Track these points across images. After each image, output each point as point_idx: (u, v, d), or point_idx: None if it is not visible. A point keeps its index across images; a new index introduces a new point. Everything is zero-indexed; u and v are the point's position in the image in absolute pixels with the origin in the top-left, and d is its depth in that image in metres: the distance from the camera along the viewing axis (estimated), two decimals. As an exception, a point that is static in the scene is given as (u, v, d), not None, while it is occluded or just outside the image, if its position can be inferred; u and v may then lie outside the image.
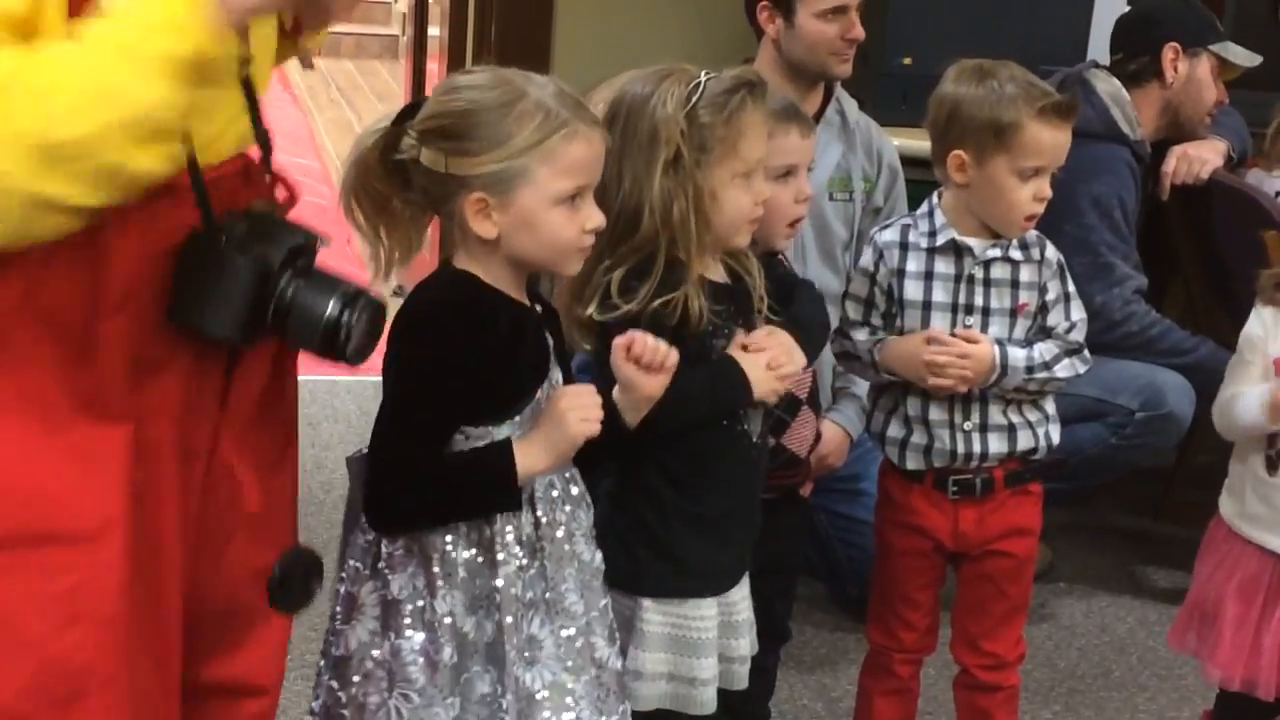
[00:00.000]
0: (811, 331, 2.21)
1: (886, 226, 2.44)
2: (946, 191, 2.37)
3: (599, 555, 1.92)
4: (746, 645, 2.15)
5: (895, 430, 2.41)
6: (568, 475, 1.88)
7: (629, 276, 1.98)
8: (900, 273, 2.37)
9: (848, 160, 3.17)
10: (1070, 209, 3.26)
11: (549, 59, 4.05)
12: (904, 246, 2.37)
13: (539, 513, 1.82)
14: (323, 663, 1.88)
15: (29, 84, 1.27)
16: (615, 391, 1.88)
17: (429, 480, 1.78)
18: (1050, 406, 2.42)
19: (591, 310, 1.98)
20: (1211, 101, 3.54)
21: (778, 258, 2.35)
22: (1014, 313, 2.35)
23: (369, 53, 10.17)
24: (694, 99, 1.96)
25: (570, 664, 1.83)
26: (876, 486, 2.52)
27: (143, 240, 1.40)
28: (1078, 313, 2.39)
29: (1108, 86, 3.47)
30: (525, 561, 1.81)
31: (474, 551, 1.79)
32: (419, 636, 1.78)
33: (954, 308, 2.35)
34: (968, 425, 2.37)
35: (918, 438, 2.39)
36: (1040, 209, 2.30)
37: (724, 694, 2.11)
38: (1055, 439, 2.42)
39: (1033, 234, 2.36)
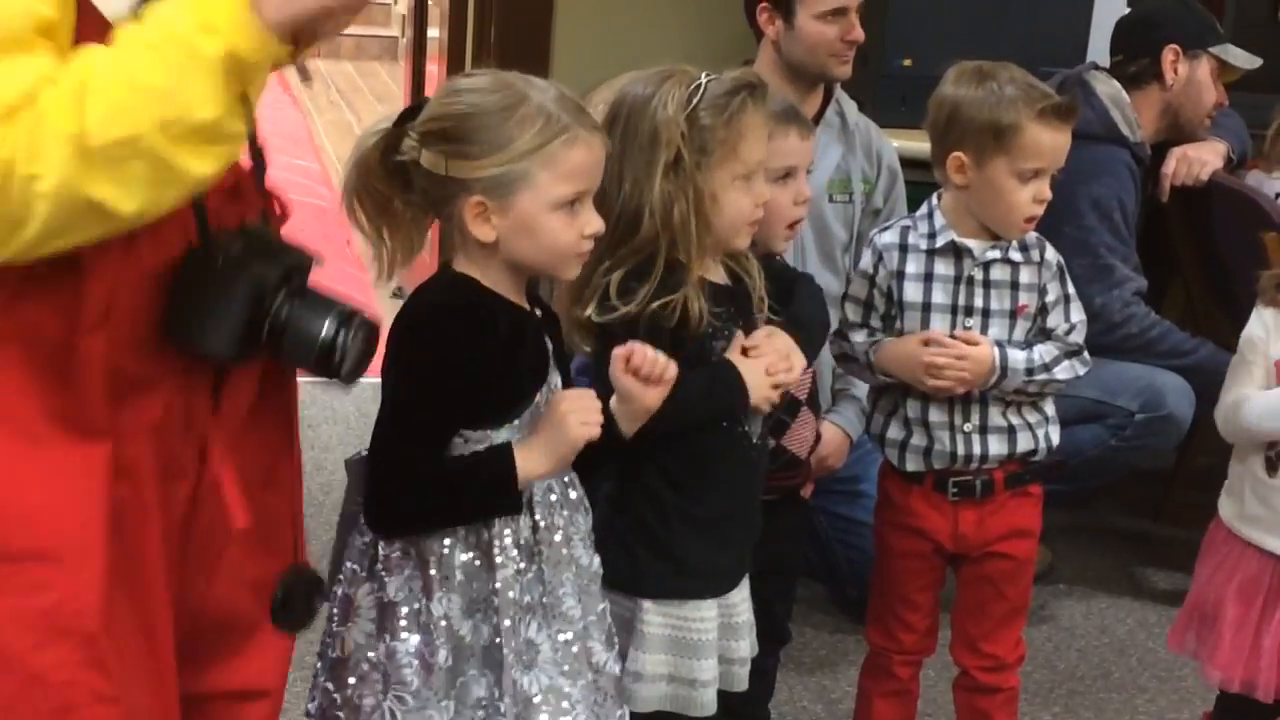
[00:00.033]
0: (811, 331, 2.21)
1: (886, 228, 2.44)
2: (946, 193, 2.37)
3: (597, 560, 1.92)
4: (747, 647, 2.15)
5: (895, 432, 2.41)
6: (566, 479, 1.88)
7: (628, 278, 1.98)
8: (900, 274, 2.37)
9: (847, 162, 3.17)
10: (1070, 211, 3.26)
11: (548, 61, 4.05)
12: (903, 248, 2.37)
13: (537, 517, 1.82)
14: (319, 664, 1.88)
15: (68, 86, 1.28)
16: (613, 401, 1.88)
17: (429, 483, 1.78)
18: (1050, 408, 2.42)
19: (590, 312, 1.98)
20: (1211, 104, 3.54)
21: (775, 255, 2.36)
22: (1014, 314, 2.35)
23: (368, 54, 10.19)
24: (695, 101, 1.97)
25: (567, 668, 1.83)
26: (876, 488, 2.52)
27: (124, 257, 1.39)
28: (1077, 314, 2.39)
29: (1107, 88, 3.47)
30: (523, 565, 1.81)
31: (471, 555, 1.79)
32: (414, 639, 1.78)
33: (954, 309, 2.35)
34: (967, 427, 2.37)
35: (917, 439, 2.39)
36: (1040, 211, 2.30)
37: (724, 696, 2.11)
38: (1055, 441, 2.42)
39: (1032, 236, 2.36)
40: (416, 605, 1.79)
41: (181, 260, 1.43)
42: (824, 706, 2.99)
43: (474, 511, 1.79)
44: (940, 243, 2.34)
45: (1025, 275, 2.35)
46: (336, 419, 4.20)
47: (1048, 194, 2.30)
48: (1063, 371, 2.35)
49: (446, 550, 1.78)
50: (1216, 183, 3.52)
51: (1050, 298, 2.36)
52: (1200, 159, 3.53)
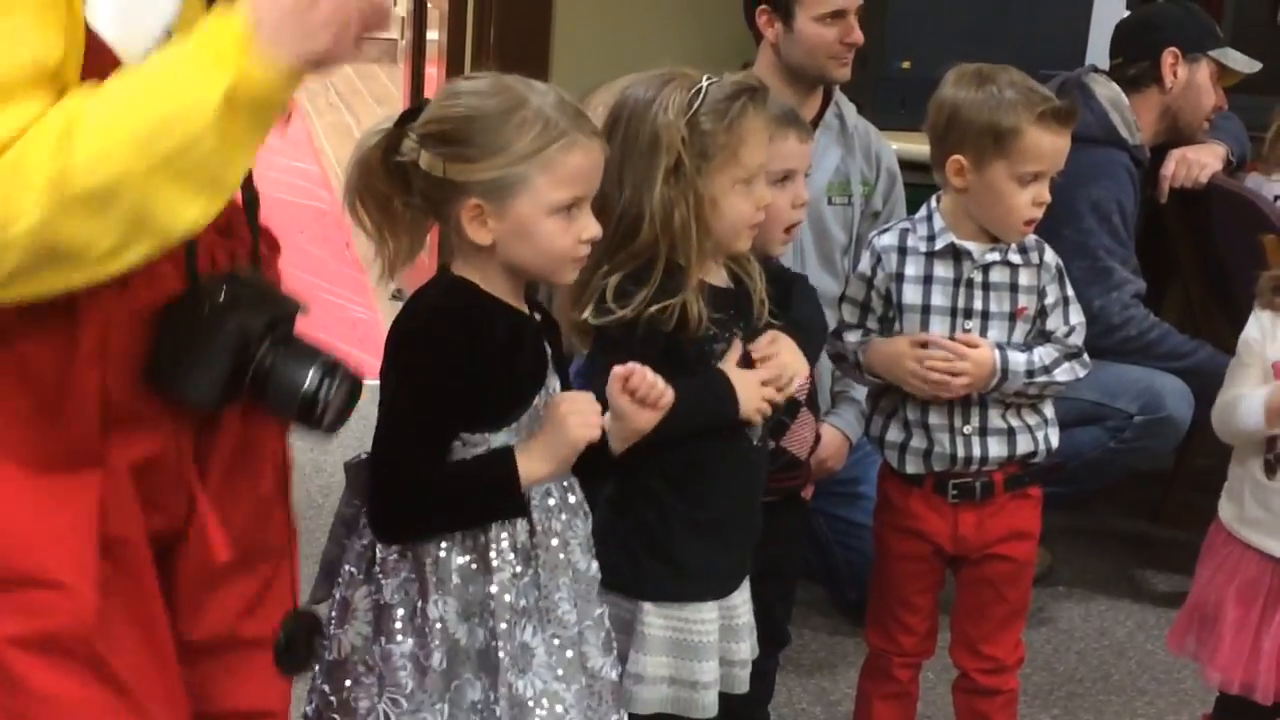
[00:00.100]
0: (812, 333, 2.21)
1: (885, 230, 2.44)
2: (945, 195, 2.37)
3: (595, 565, 1.92)
4: (747, 649, 2.15)
5: (894, 434, 2.41)
6: (565, 483, 1.88)
7: (625, 282, 1.98)
8: (899, 277, 2.37)
9: (846, 164, 3.17)
10: (1069, 213, 3.26)
11: (548, 63, 4.05)
12: (902, 251, 2.37)
13: (534, 521, 1.82)
14: (317, 666, 1.88)
15: (54, 127, 1.27)
16: (606, 416, 1.88)
17: (431, 488, 1.78)
18: (1049, 410, 2.42)
19: (587, 315, 1.98)
20: (1210, 107, 3.54)
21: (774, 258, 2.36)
22: (1013, 317, 2.35)
23: (367, 56, 10.17)
24: (695, 105, 1.96)
25: (561, 673, 1.83)
26: (875, 490, 2.52)
27: (121, 294, 1.40)
28: (1076, 316, 2.39)
29: (1107, 91, 3.47)
30: (519, 569, 1.81)
31: (468, 558, 1.79)
32: (409, 641, 1.79)
33: (953, 312, 2.35)
34: (967, 429, 2.37)
35: (917, 442, 2.39)
36: (1039, 214, 2.30)
37: (724, 698, 2.11)
38: (1054, 443, 2.43)
39: (1031, 238, 2.36)
40: (412, 608, 1.79)
41: (166, 307, 1.43)
42: (823, 708, 2.99)
43: (477, 515, 1.79)
44: (939, 245, 2.34)
45: (1024, 278, 2.35)
46: (336, 421, 4.19)
47: (1047, 197, 2.30)
48: (1063, 374, 2.35)
49: (443, 554, 1.78)
50: (1215, 185, 3.52)
51: (1049, 300, 2.37)
52: (1199, 161, 3.53)
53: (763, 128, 2.03)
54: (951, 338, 2.33)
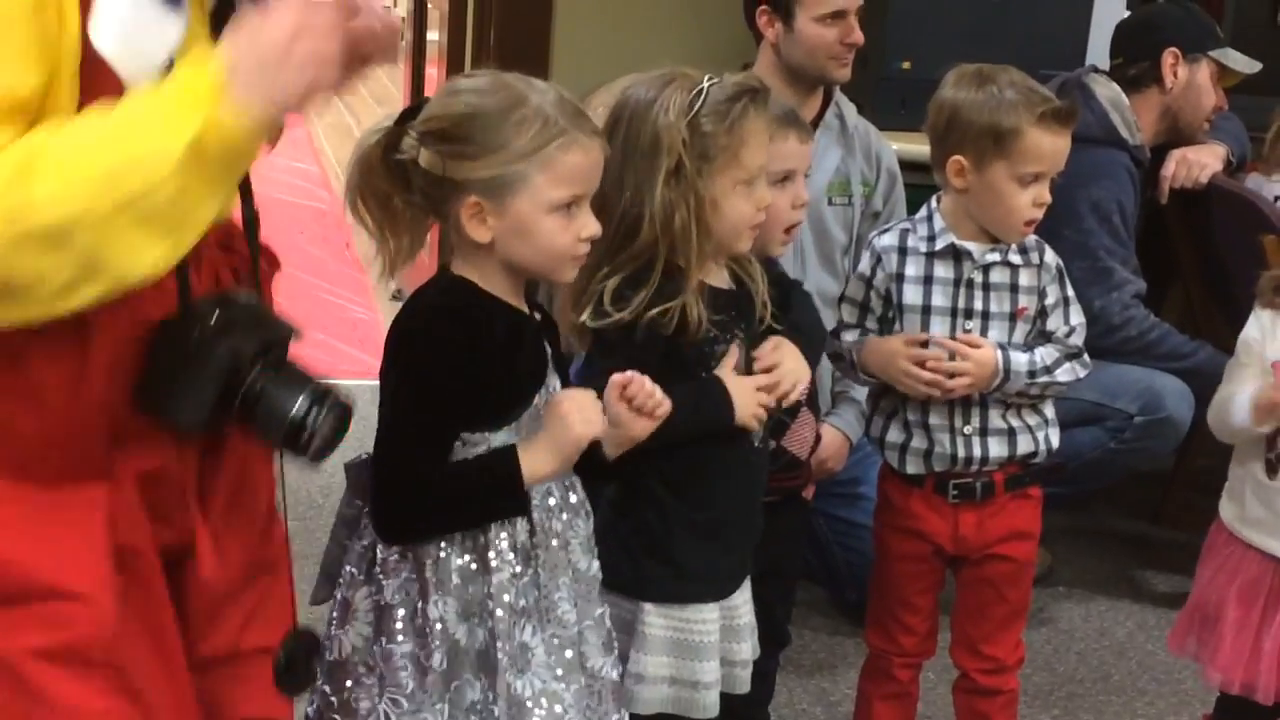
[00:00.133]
0: (813, 338, 2.21)
1: (885, 231, 2.44)
2: (945, 196, 2.37)
3: (596, 564, 1.92)
4: (748, 649, 2.15)
5: (895, 435, 2.41)
6: (566, 483, 1.88)
7: (624, 285, 1.98)
8: (899, 277, 2.37)
9: (847, 165, 3.17)
10: (1069, 214, 3.26)
11: (548, 64, 4.05)
12: (902, 251, 2.37)
13: (534, 520, 1.82)
14: (318, 667, 1.88)
15: (13, 162, 1.27)
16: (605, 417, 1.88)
17: (434, 488, 1.78)
18: (1049, 410, 2.42)
19: (585, 317, 1.98)
20: (1210, 107, 3.54)
21: (775, 261, 2.36)
22: (1013, 317, 2.35)
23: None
24: (697, 106, 1.96)
25: (560, 672, 1.83)
26: (875, 491, 2.52)
27: (130, 309, 1.41)
28: (1077, 317, 2.39)
29: (1107, 91, 3.47)
30: (519, 569, 1.81)
31: (468, 558, 1.79)
32: (409, 642, 1.79)
33: (953, 312, 2.35)
34: (968, 429, 2.37)
35: (918, 442, 2.39)
36: (1039, 214, 2.30)
37: (724, 698, 2.11)
38: (1055, 443, 2.42)
39: (1032, 238, 2.36)
40: (413, 609, 1.79)
41: (159, 325, 1.43)
42: (823, 709, 2.99)
43: (480, 514, 1.79)
44: (940, 245, 2.34)
45: (1025, 278, 2.35)
46: (336, 421, 4.19)
47: (1047, 198, 2.30)
48: (1064, 374, 2.35)
49: (443, 554, 1.78)
50: (1216, 186, 3.52)
51: (1050, 300, 2.37)
52: (1200, 162, 3.53)
53: (764, 129, 2.03)
54: (953, 338, 2.33)
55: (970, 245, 2.33)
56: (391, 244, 1.82)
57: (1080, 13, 4.09)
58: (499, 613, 1.78)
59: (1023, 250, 2.35)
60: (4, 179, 1.27)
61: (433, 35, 5.36)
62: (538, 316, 1.88)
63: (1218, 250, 3.62)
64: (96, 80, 1.35)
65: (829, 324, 2.50)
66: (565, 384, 1.91)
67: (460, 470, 1.78)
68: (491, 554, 1.79)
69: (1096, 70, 3.58)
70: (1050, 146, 2.26)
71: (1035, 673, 3.14)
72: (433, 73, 5.37)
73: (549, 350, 1.87)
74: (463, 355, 1.76)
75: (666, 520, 2.05)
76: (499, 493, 1.78)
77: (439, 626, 1.77)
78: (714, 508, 2.07)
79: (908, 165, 3.26)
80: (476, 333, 1.77)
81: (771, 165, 2.13)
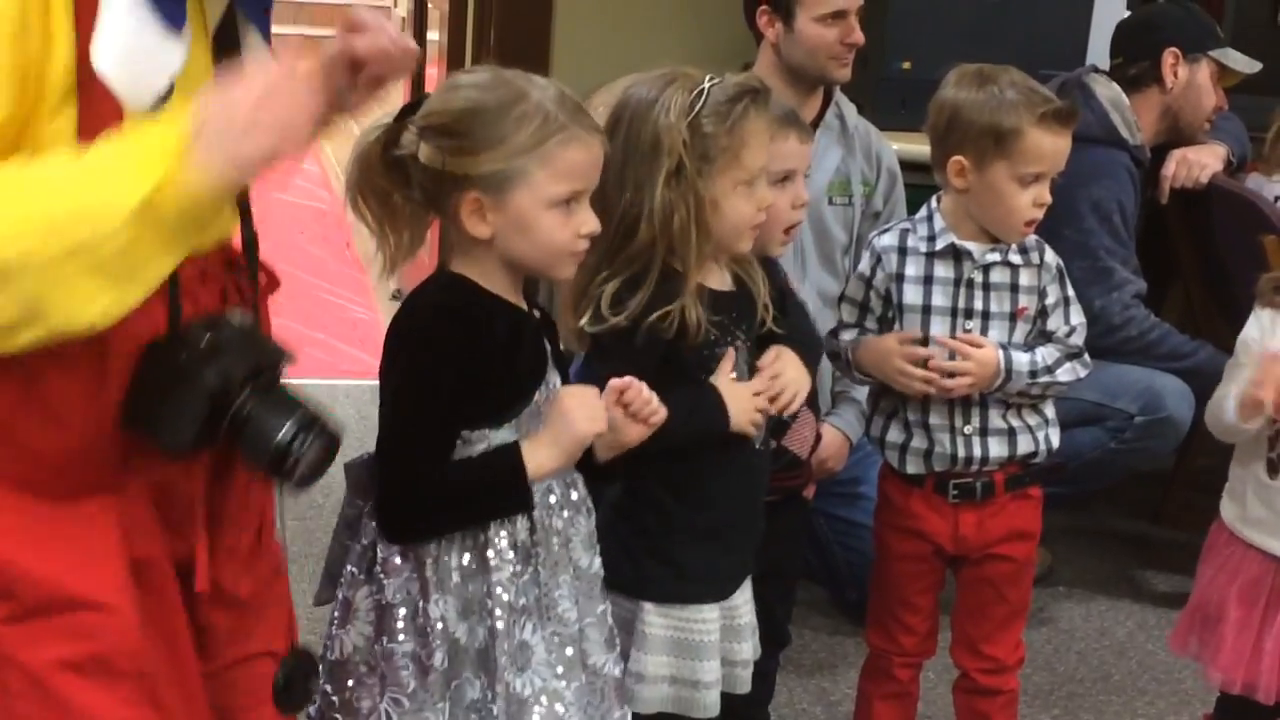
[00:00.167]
0: (811, 348, 2.20)
1: (885, 231, 2.44)
2: (946, 196, 2.37)
3: (598, 561, 1.92)
4: (749, 649, 2.15)
5: (895, 435, 2.41)
6: (568, 480, 1.88)
7: (623, 289, 1.97)
8: (899, 277, 2.37)
9: (847, 165, 3.17)
10: (1069, 213, 3.26)
11: (548, 64, 4.05)
12: (902, 251, 2.37)
13: (534, 518, 1.82)
14: (320, 667, 1.88)
15: None
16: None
17: (438, 487, 1.78)
18: (1050, 410, 2.42)
19: (584, 322, 1.98)
20: (1211, 107, 3.54)
21: (776, 263, 2.36)
22: (1013, 317, 2.35)
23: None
24: (697, 106, 1.96)
25: (561, 670, 1.83)
26: (875, 490, 2.52)
27: (146, 323, 1.42)
28: (1077, 317, 2.39)
29: (1107, 91, 3.47)
30: (519, 567, 1.81)
31: (468, 557, 1.79)
32: (411, 641, 1.79)
33: (953, 312, 2.35)
34: (968, 429, 2.37)
35: (918, 442, 2.39)
36: (1040, 214, 2.30)
37: (725, 698, 2.11)
38: (1055, 443, 2.42)
39: (1032, 238, 2.36)
40: (414, 608, 1.79)
41: (147, 348, 1.44)
42: (823, 709, 2.99)
43: (485, 511, 1.79)
44: (940, 245, 2.34)
45: (1025, 278, 2.35)
46: (336, 421, 4.19)
47: (1048, 198, 2.30)
48: (1065, 374, 2.35)
49: (443, 553, 1.79)
50: (1216, 186, 3.52)
51: (1050, 300, 2.37)
52: (1200, 162, 3.53)
53: (764, 129, 2.03)
54: (953, 338, 2.33)
55: (970, 245, 2.33)
56: (392, 241, 1.82)
57: (1080, 12, 4.09)
58: (498, 611, 1.78)
59: (1023, 250, 2.35)
60: None
61: (433, 35, 5.37)
62: (536, 314, 1.88)
63: (1218, 250, 3.62)
64: (97, 104, 1.35)
65: (829, 324, 2.50)
66: (565, 381, 1.91)
67: (464, 468, 1.78)
68: (491, 552, 1.79)
69: (1097, 70, 3.58)
70: (1051, 147, 2.26)
71: (1035, 672, 3.14)
72: (433, 72, 5.37)
73: (548, 347, 1.88)
74: (463, 354, 1.76)
75: (668, 522, 2.05)
76: (503, 489, 1.78)
77: (440, 626, 1.78)
78: (715, 510, 2.07)
79: (908, 165, 3.26)
80: (476, 331, 1.77)
81: (772, 165, 2.13)
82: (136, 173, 1.29)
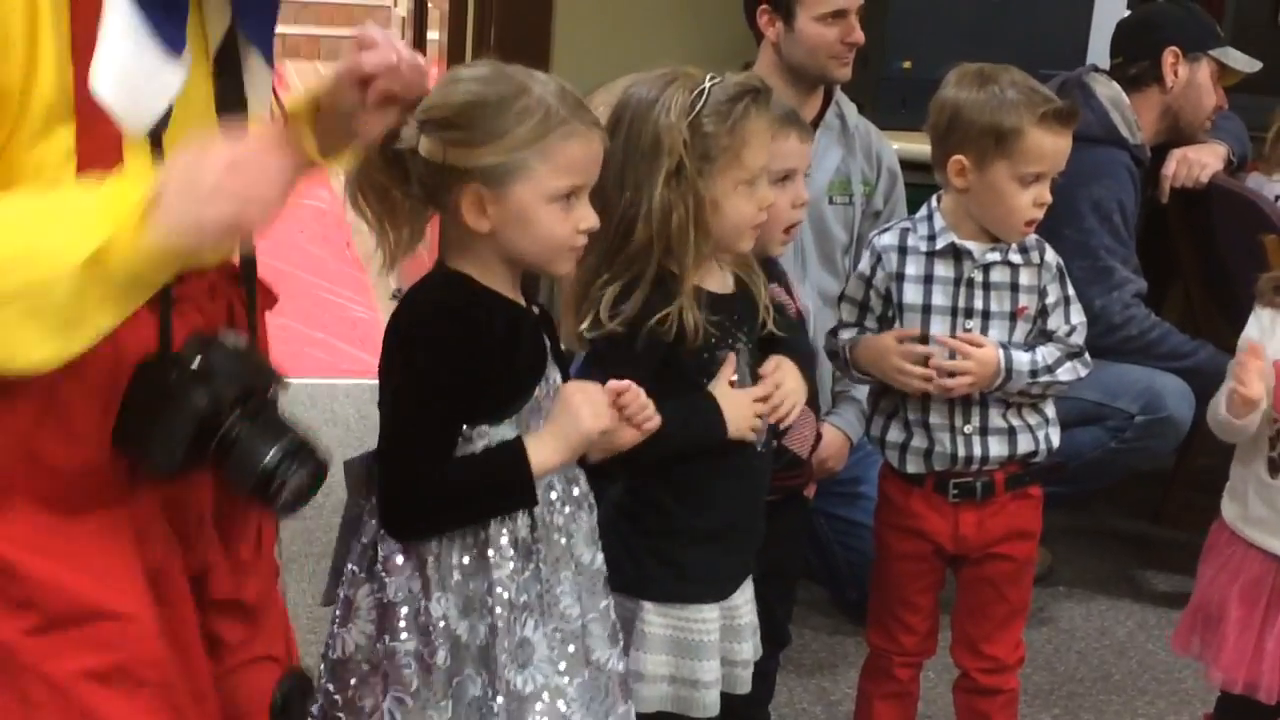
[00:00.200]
0: (808, 362, 2.20)
1: (885, 230, 2.44)
2: (946, 195, 2.37)
3: (600, 557, 1.91)
4: (750, 649, 2.15)
5: (895, 434, 2.41)
6: (569, 476, 1.88)
7: (622, 294, 1.97)
8: (899, 276, 2.37)
9: (847, 164, 3.17)
10: (1070, 213, 3.26)
11: (548, 63, 4.05)
12: (903, 250, 2.37)
13: (535, 515, 1.82)
14: (321, 666, 1.88)
15: None
16: None
17: (442, 484, 1.77)
18: (1050, 410, 2.42)
19: (584, 327, 1.98)
20: (1211, 106, 3.54)
21: (777, 263, 2.36)
22: (1014, 316, 2.35)
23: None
24: (698, 106, 1.96)
25: (563, 666, 1.83)
26: (876, 490, 2.52)
27: (196, 326, 1.44)
28: (1078, 316, 2.39)
29: (1107, 90, 3.47)
30: (519, 564, 1.80)
31: (468, 555, 1.79)
32: (413, 640, 1.78)
33: (953, 311, 2.35)
34: (968, 429, 2.37)
35: (918, 441, 2.39)
36: (1040, 214, 2.30)
37: (725, 698, 2.11)
38: (1055, 442, 2.42)
39: (1032, 238, 2.36)
40: (416, 606, 1.79)
41: (138, 368, 1.44)
42: (824, 708, 2.99)
43: (489, 507, 1.79)
44: (940, 245, 2.34)
45: (1025, 277, 2.35)
46: (336, 421, 4.20)
47: (1048, 198, 2.30)
48: (1065, 373, 2.35)
49: (443, 551, 1.78)
50: (1216, 185, 3.52)
51: (1050, 299, 2.37)
52: (1200, 161, 3.53)
53: (765, 129, 2.03)
54: (954, 337, 2.33)
55: (970, 244, 2.33)
56: (391, 236, 1.81)
57: (1081, 12, 4.09)
58: (498, 609, 1.78)
59: (1023, 249, 2.35)
60: None
61: (433, 35, 5.36)
62: (535, 310, 1.87)
63: (1218, 250, 3.62)
64: (96, 129, 1.35)
65: (829, 323, 2.50)
66: (566, 377, 1.91)
67: (467, 465, 1.78)
68: (491, 550, 1.79)
69: (1097, 69, 3.58)
70: (1051, 147, 2.26)
71: (1035, 672, 3.14)
72: (433, 72, 5.35)
73: (548, 343, 1.87)
74: (462, 350, 1.76)
75: (669, 523, 2.05)
76: (507, 485, 1.78)
77: (441, 624, 1.77)
78: (716, 511, 2.07)
79: (908, 164, 3.26)
80: (475, 327, 1.77)
81: (772, 165, 2.13)
82: (91, 225, 1.30)
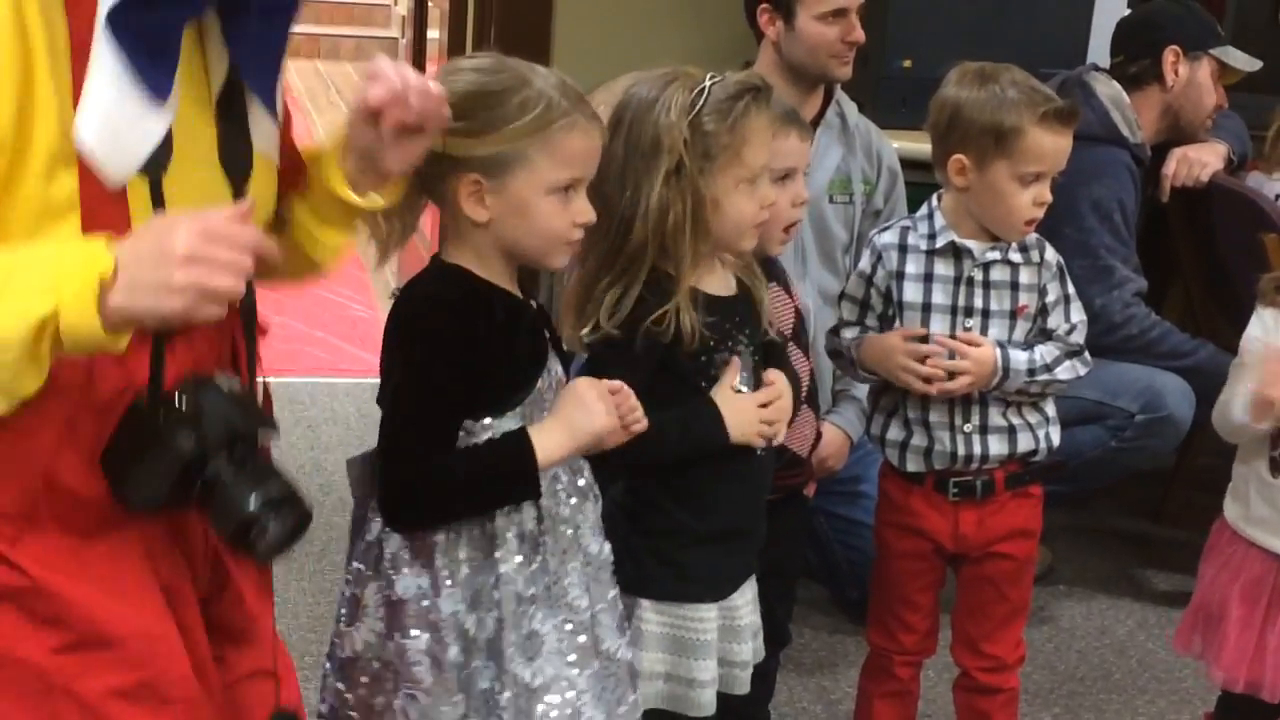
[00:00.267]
0: (792, 386, 2.19)
1: (885, 229, 2.44)
2: (946, 194, 2.37)
3: (607, 546, 1.91)
4: (749, 650, 2.14)
5: (895, 433, 2.41)
6: (574, 467, 1.87)
7: (620, 298, 1.97)
8: (899, 275, 2.37)
9: (848, 163, 3.17)
10: (1070, 212, 3.26)
11: (548, 62, 4.00)
12: (903, 249, 2.37)
13: (541, 507, 1.82)
14: (328, 665, 1.88)
15: None
16: None
17: (445, 476, 1.77)
18: (1050, 409, 2.42)
19: (584, 333, 1.98)
20: (1211, 105, 3.54)
21: (777, 262, 2.36)
22: (1014, 315, 2.35)
23: (368, 55, 10.15)
24: (698, 105, 1.96)
25: (573, 658, 1.83)
26: (876, 489, 2.52)
27: (177, 369, 1.44)
28: (1078, 315, 2.39)
29: (1108, 89, 3.47)
30: (526, 557, 1.80)
31: (475, 549, 1.79)
32: (424, 636, 1.78)
33: (953, 310, 2.35)
34: (968, 427, 2.37)
35: (918, 440, 2.39)
36: (1040, 213, 2.30)
37: (724, 697, 2.10)
38: (1055, 441, 2.42)
39: (1032, 236, 2.36)
40: (425, 603, 1.78)
41: (130, 407, 1.44)
42: (824, 707, 2.99)
43: (494, 499, 1.79)
44: (940, 243, 2.34)
45: (1025, 276, 2.35)
46: (337, 420, 4.20)
47: (1048, 197, 2.30)
48: (1064, 372, 2.35)
49: (450, 545, 1.78)
50: (1217, 184, 3.52)
51: (1050, 298, 2.37)
52: (1200, 160, 3.53)
53: (766, 127, 2.02)
54: (952, 336, 2.33)
55: (970, 243, 2.33)
56: (384, 228, 1.81)
57: (1081, 11, 4.09)
58: (505, 602, 1.78)
59: (1023, 248, 2.35)
60: None
61: (433, 34, 5.36)
62: (534, 304, 1.87)
63: (1219, 249, 3.62)
64: (95, 174, 1.36)
65: (830, 322, 2.50)
66: (566, 368, 1.91)
67: (471, 456, 1.78)
68: (498, 543, 1.79)
69: (1097, 68, 3.58)
70: (1052, 146, 2.26)
71: (1036, 671, 3.14)
72: (433, 71, 5.37)
73: (548, 335, 1.87)
74: (461, 343, 1.76)
75: (670, 525, 2.05)
76: (513, 476, 1.77)
77: (451, 619, 1.77)
78: (717, 514, 2.07)
79: (908, 163, 3.26)
80: (474, 320, 1.77)
81: (772, 163, 2.13)
82: (42, 293, 1.29)
